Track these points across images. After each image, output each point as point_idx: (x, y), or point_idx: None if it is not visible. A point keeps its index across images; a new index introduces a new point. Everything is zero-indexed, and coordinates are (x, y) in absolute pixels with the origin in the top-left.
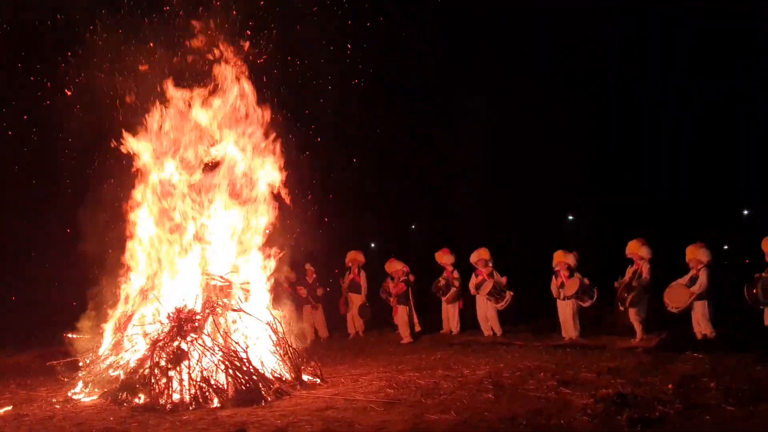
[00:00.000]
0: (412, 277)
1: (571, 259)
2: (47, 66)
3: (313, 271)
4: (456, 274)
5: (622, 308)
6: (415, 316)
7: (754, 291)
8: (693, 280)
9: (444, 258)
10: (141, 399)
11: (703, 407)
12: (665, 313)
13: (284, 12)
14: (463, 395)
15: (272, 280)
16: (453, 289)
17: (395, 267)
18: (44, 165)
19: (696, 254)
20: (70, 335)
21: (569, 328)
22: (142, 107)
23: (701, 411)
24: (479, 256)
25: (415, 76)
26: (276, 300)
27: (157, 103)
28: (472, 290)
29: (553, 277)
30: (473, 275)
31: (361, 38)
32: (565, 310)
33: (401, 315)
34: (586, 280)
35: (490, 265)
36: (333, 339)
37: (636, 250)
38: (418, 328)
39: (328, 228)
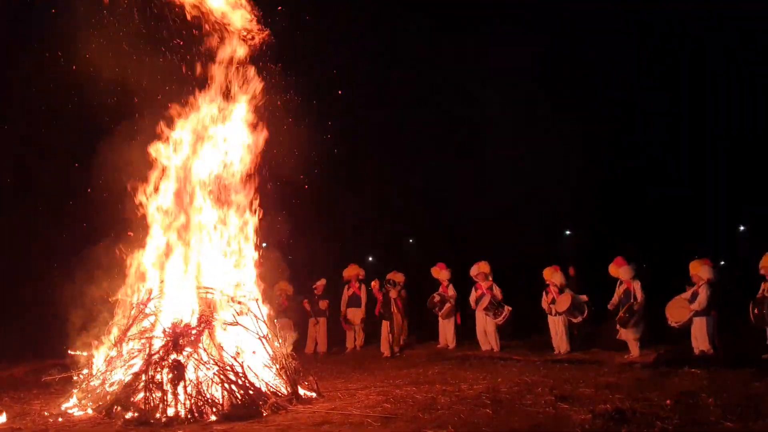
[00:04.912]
0: (380, 294)
1: (557, 278)
2: None
3: (323, 285)
4: (451, 290)
5: (620, 328)
6: (392, 334)
7: (756, 311)
8: (695, 296)
9: (440, 273)
10: (135, 413)
11: (702, 423)
12: (664, 328)
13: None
14: (460, 410)
15: (269, 293)
16: (447, 305)
17: (395, 279)
18: (43, 177)
19: (698, 270)
20: (65, 349)
21: (561, 343)
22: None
23: (700, 427)
24: (479, 269)
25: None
26: (273, 312)
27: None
28: (472, 304)
29: (544, 293)
30: (473, 289)
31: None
32: (557, 326)
33: (384, 330)
34: (584, 297)
35: (490, 279)
36: (331, 353)
37: (621, 270)
38: (390, 349)
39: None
